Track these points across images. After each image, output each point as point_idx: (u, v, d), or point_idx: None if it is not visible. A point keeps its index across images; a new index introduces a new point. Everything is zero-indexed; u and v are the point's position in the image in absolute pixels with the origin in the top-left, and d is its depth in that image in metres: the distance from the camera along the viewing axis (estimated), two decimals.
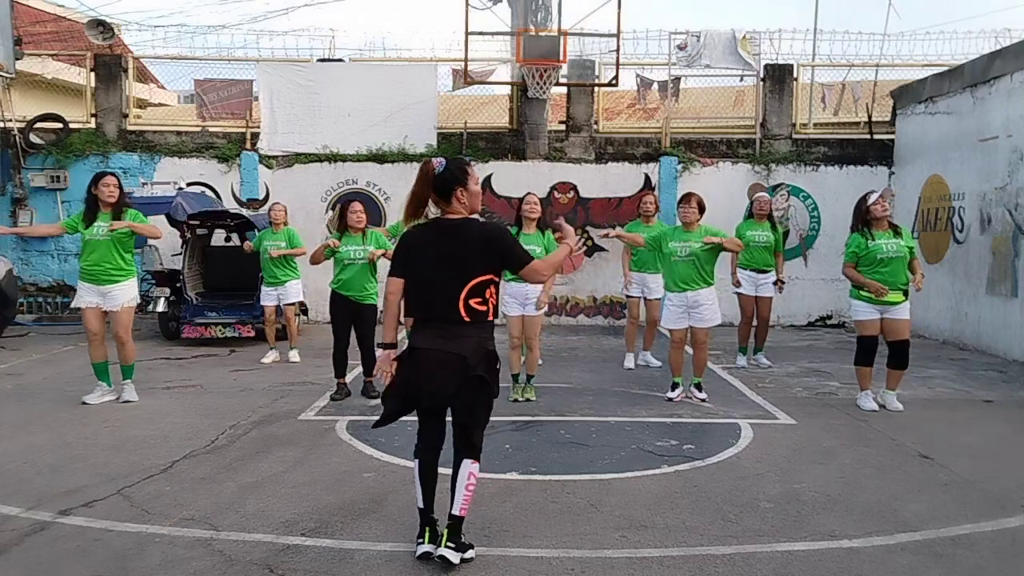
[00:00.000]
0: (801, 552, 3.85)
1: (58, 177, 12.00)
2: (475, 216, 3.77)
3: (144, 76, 15.12)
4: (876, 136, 12.32)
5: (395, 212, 12.02)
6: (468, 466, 3.70)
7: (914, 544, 3.95)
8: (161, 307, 10.17)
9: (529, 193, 7.10)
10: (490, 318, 3.67)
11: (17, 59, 11.69)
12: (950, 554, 3.83)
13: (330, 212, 12.10)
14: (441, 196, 3.66)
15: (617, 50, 11.49)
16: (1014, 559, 3.82)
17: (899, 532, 4.09)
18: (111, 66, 12.40)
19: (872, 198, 6.67)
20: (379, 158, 12.21)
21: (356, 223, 7.01)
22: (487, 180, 12.13)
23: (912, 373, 7.42)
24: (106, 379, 6.91)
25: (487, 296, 3.63)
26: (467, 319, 3.59)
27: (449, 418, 3.79)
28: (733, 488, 4.74)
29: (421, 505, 3.79)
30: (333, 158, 12.23)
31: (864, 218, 6.66)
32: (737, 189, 11.92)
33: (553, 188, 12.15)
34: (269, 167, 12.22)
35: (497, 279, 3.69)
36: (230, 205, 11.61)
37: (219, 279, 10.93)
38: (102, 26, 12.76)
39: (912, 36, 16.72)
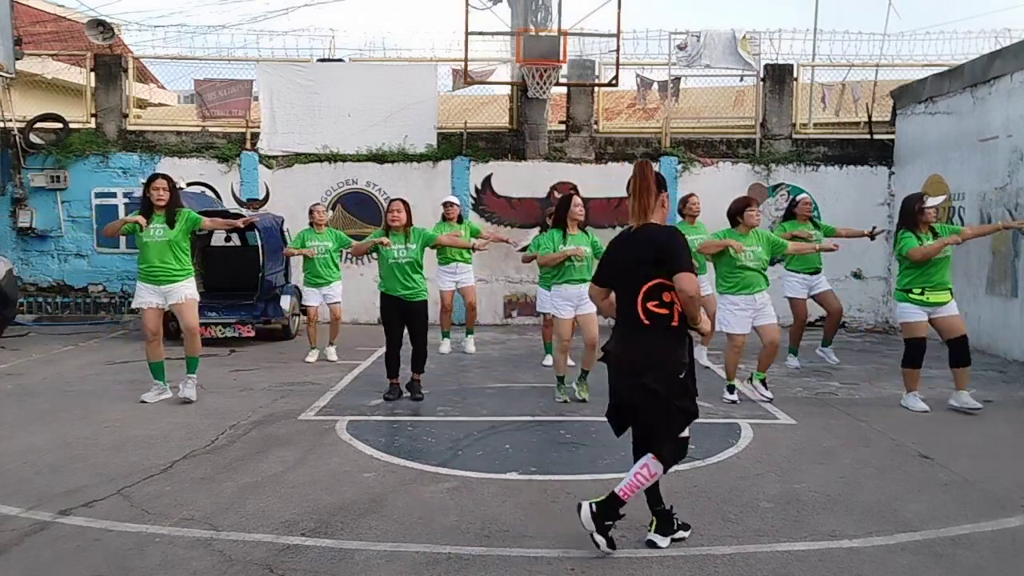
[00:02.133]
0: (801, 552, 3.85)
1: (58, 177, 12.00)
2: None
3: (144, 76, 15.12)
4: (876, 136, 12.31)
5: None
6: (647, 457, 3.76)
7: (914, 544, 3.96)
8: None
9: (573, 195, 7.04)
10: (674, 323, 3.68)
11: (17, 59, 11.68)
12: (950, 554, 3.84)
13: (330, 212, 12.10)
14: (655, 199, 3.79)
15: (617, 50, 11.48)
16: (1014, 559, 3.82)
17: (899, 532, 4.09)
18: (111, 66, 12.40)
19: (929, 202, 6.67)
20: (379, 158, 12.20)
21: (391, 221, 7.00)
22: (487, 180, 12.14)
23: None
24: (162, 378, 6.97)
25: (665, 299, 3.65)
26: (647, 323, 3.65)
27: None
28: (733, 488, 4.74)
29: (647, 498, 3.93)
30: (333, 158, 12.22)
31: (915, 219, 6.63)
32: (737, 189, 11.83)
33: (553, 188, 12.13)
34: (269, 167, 12.21)
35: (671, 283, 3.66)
36: (230, 205, 11.61)
37: (219, 279, 10.92)
38: (102, 26, 12.75)
39: (912, 36, 16.72)
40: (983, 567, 3.71)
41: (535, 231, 12.05)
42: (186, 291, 6.84)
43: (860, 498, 4.59)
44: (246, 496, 4.55)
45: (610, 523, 3.75)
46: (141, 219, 6.68)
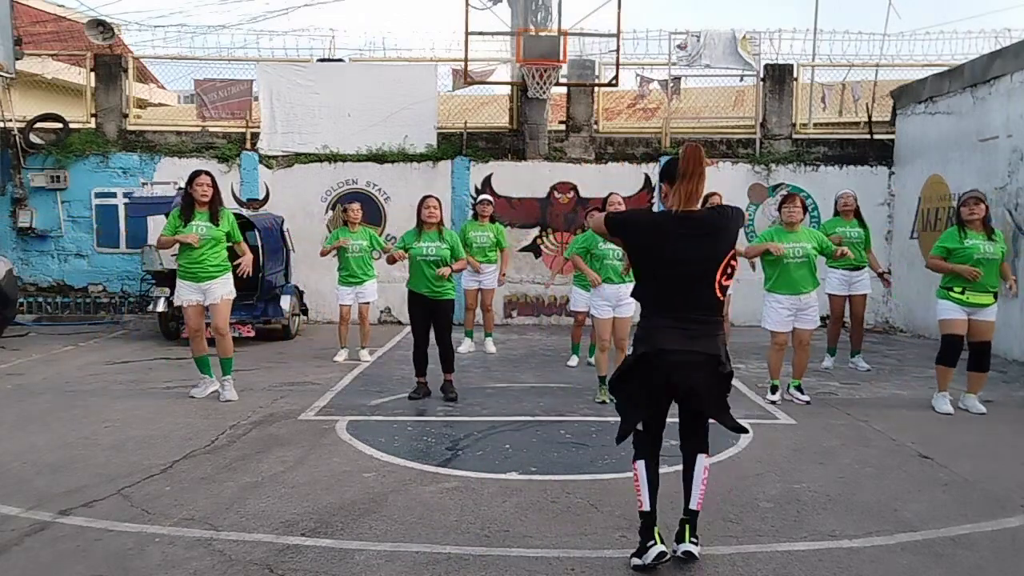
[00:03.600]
0: (801, 552, 3.85)
1: (58, 177, 11.99)
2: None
3: (144, 76, 15.11)
4: (876, 136, 12.32)
5: (395, 212, 12.03)
6: (703, 460, 3.73)
7: (914, 544, 3.95)
8: (161, 307, 10.15)
9: (612, 193, 7.03)
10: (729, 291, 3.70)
11: (17, 59, 11.68)
12: (950, 554, 3.83)
13: (330, 212, 12.12)
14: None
15: (617, 50, 11.49)
16: (1014, 559, 3.82)
17: (899, 532, 4.09)
18: (111, 66, 12.40)
19: (963, 199, 6.66)
20: (379, 158, 12.20)
21: (427, 217, 6.96)
22: (487, 180, 12.14)
23: (913, 373, 7.44)
24: (208, 372, 7.00)
25: (729, 271, 3.65)
26: (721, 297, 3.62)
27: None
28: (733, 488, 4.73)
29: (647, 508, 3.65)
30: (333, 158, 12.22)
31: (959, 216, 6.62)
32: (737, 189, 11.91)
33: (553, 188, 12.15)
34: (269, 167, 12.21)
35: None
36: (230, 205, 11.59)
37: None
38: (102, 26, 12.75)
39: (912, 36, 16.71)
40: (983, 567, 3.71)
41: (535, 231, 12.16)
42: (223, 290, 6.89)
43: (860, 498, 4.59)
44: (246, 496, 4.55)
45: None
46: (193, 238, 6.67)
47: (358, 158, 12.21)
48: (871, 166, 12.21)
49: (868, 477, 4.97)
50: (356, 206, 9.20)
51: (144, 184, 11.48)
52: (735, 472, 5.05)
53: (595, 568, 3.66)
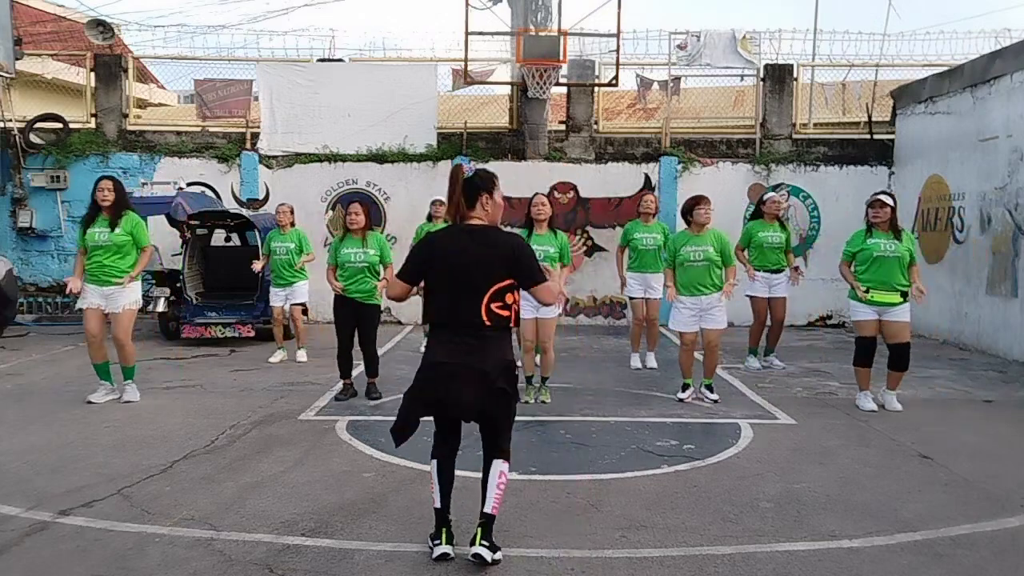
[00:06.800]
0: (801, 552, 3.85)
1: (58, 177, 12.01)
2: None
3: (144, 76, 15.12)
4: (876, 136, 12.32)
5: (395, 212, 12.04)
6: (499, 466, 3.73)
7: (914, 544, 3.95)
8: (161, 307, 10.17)
9: (537, 194, 7.00)
10: (512, 324, 3.72)
11: (17, 59, 11.69)
12: (950, 554, 3.83)
13: (330, 212, 12.12)
14: (467, 200, 3.75)
15: (617, 50, 11.49)
16: (1014, 559, 3.82)
17: (899, 532, 4.09)
18: (111, 66, 12.41)
19: (870, 200, 6.73)
20: (379, 158, 12.21)
21: (350, 224, 6.97)
22: None
23: (912, 373, 7.40)
24: (108, 379, 6.91)
25: (508, 302, 3.67)
26: (488, 324, 3.62)
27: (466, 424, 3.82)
28: (733, 488, 4.74)
29: (438, 505, 3.76)
30: (333, 158, 12.23)
31: (867, 219, 6.72)
32: (737, 189, 11.93)
33: (553, 188, 12.13)
34: (269, 167, 12.21)
35: (517, 284, 3.72)
36: (230, 205, 11.59)
37: (219, 279, 10.93)
38: (102, 26, 12.77)
39: (912, 36, 16.68)
40: (983, 567, 3.71)
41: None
42: (126, 300, 6.71)
43: (860, 498, 4.59)
44: (246, 496, 4.55)
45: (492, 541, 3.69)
46: (75, 284, 6.63)
47: (358, 158, 12.22)
48: (871, 166, 12.21)
49: (868, 477, 4.97)
50: (285, 207, 9.04)
51: (144, 184, 11.46)
52: (735, 472, 5.05)
53: (595, 568, 3.66)
